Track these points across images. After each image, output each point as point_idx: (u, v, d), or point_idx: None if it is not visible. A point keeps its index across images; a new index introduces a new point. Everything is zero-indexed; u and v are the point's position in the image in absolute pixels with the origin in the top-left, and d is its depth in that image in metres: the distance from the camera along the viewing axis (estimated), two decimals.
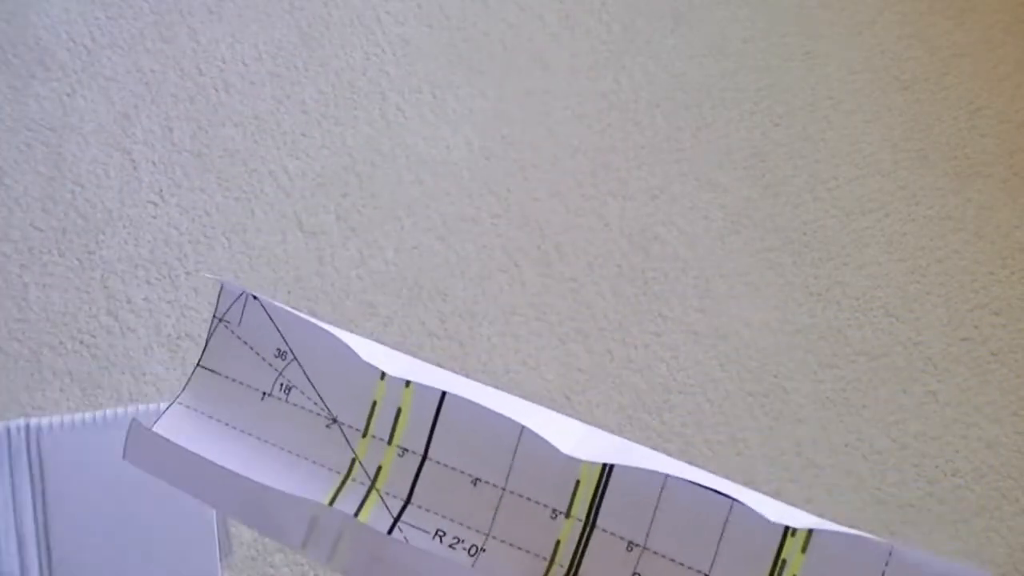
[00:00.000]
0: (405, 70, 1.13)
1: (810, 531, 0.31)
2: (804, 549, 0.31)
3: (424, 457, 0.36)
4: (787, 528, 0.31)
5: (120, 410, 0.44)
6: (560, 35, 1.15)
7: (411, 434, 0.36)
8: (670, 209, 1.04)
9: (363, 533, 0.35)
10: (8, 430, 0.43)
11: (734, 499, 0.32)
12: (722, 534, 0.33)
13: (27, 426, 0.43)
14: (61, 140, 1.02)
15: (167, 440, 0.36)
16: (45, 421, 0.43)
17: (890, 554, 0.31)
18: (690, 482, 0.32)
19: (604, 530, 0.34)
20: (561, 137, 1.08)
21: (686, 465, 0.35)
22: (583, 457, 0.33)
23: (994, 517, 0.92)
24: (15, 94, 1.10)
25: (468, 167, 1.06)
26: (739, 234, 1.03)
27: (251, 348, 0.37)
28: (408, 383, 0.36)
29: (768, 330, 0.99)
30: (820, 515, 0.30)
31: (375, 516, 0.36)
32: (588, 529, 0.34)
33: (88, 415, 0.43)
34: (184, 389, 0.38)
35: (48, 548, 0.40)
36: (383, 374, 0.36)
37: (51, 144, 1.01)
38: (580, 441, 0.34)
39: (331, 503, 0.36)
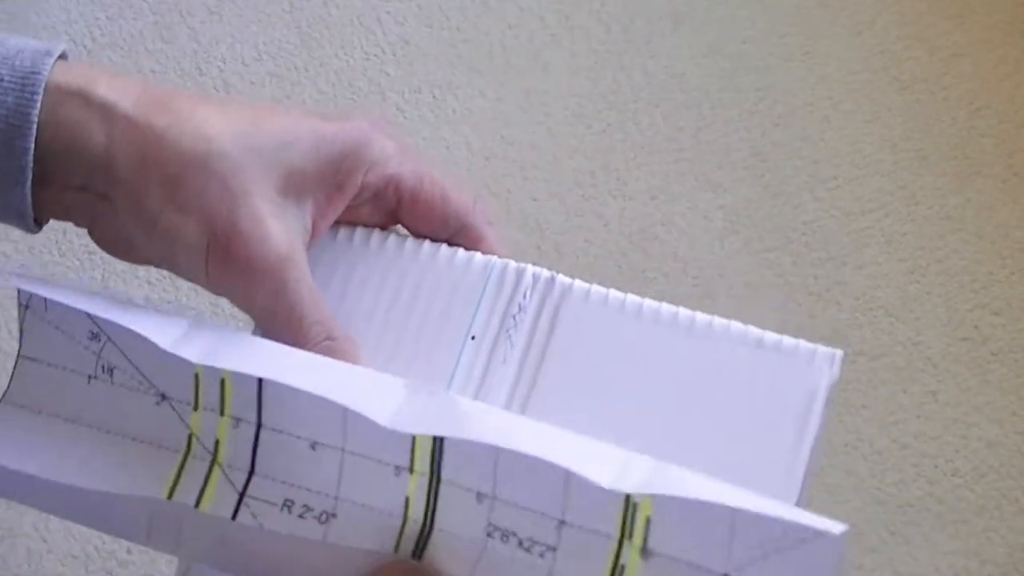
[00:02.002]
0: (405, 70, 1.13)
1: (646, 526, 0.30)
2: (643, 554, 0.31)
3: (258, 425, 0.34)
4: (627, 497, 0.31)
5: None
6: (560, 35, 1.15)
7: (240, 403, 0.34)
8: (670, 209, 1.04)
9: (204, 521, 0.34)
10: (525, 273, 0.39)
11: (568, 469, 0.30)
12: (566, 485, 0.32)
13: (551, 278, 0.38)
14: None
15: None
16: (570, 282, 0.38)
17: (734, 523, 0.30)
18: (522, 454, 0.31)
19: (450, 482, 0.33)
20: (561, 137, 1.08)
21: (519, 421, 0.34)
22: (403, 428, 0.31)
23: (994, 517, 0.92)
24: None
25: (468, 167, 1.06)
26: (739, 234, 1.03)
27: (63, 332, 0.35)
28: (223, 381, 0.34)
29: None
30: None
31: (220, 492, 0.34)
32: (434, 482, 0.33)
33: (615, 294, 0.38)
34: (9, 385, 0.36)
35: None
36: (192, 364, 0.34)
37: None
38: (401, 404, 0.33)
39: (175, 483, 0.34)
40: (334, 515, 0.33)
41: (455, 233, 0.39)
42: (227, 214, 0.34)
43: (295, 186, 0.35)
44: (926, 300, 1.01)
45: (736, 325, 0.37)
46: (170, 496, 0.34)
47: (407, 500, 0.33)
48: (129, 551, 0.89)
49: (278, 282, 0.35)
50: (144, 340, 0.33)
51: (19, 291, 0.35)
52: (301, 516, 0.33)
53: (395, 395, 0.33)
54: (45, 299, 0.35)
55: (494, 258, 0.39)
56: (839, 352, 0.36)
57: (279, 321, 0.36)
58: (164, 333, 0.34)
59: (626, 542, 0.31)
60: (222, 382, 0.34)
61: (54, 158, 0.34)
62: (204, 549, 0.35)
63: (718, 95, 1.11)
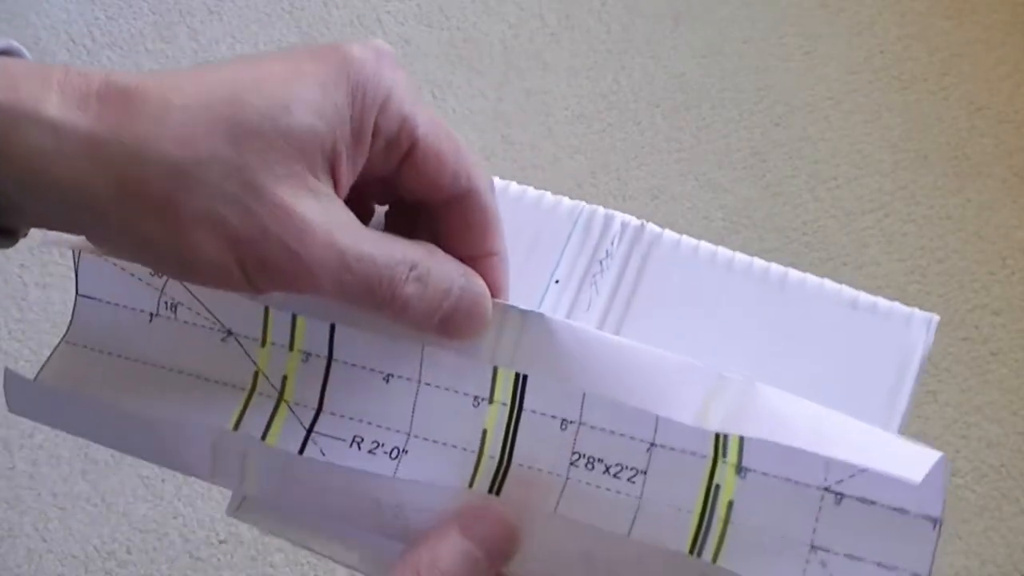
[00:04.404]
0: (405, 70, 1.13)
1: (740, 444, 0.30)
2: (738, 471, 0.30)
3: (329, 359, 0.33)
4: (717, 435, 0.30)
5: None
6: (560, 35, 1.15)
7: (312, 337, 0.33)
8: (670, 209, 1.04)
9: (269, 455, 0.32)
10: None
11: (658, 416, 0.30)
12: (656, 421, 0.31)
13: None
14: None
15: (47, 387, 0.33)
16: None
17: (827, 466, 0.29)
18: (610, 401, 0.30)
19: (533, 411, 0.31)
20: (561, 137, 1.08)
21: (612, 340, 0.33)
22: (497, 363, 0.31)
23: (994, 517, 0.92)
24: None
25: None
26: (739, 234, 1.03)
27: (123, 269, 0.34)
28: (295, 316, 0.33)
29: None
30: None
31: (287, 429, 0.32)
32: (515, 413, 0.31)
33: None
34: (69, 326, 0.34)
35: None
36: (266, 308, 0.33)
37: None
38: (495, 335, 0.32)
39: (239, 421, 0.33)
40: (405, 451, 0.32)
41: (456, 198, 0.33)
42: (248, 221, 0.29)
43: (308, 152, 0.30)
44: (926, 300, 1.01)
45: (830, 284, 0.35)
46: (235, 430, 0.33)
47: (484, 433, 0.32)
48: (129, 551, 0.89)
49: (338, 262, 0.30)
50: None
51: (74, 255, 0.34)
52: (371, 452, 0.32)
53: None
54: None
55: (582, 203, 0.38)
56: (935, 317, 0.35)
57: (360, 295, 0.31)
58: None
59: (720, 461, 0.30)
60: (294, 316, 0.33)
61: (19, 193, 0.29)
62: (269, 483, 0.33)
63: (718, 95, 1.11)
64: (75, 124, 0.28)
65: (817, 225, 1.05)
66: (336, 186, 0.31)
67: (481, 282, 0.33)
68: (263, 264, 0.29)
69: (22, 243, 0.32)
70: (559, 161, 1.06)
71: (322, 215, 0.29)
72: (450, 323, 0.32)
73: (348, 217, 0.30)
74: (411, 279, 0.31)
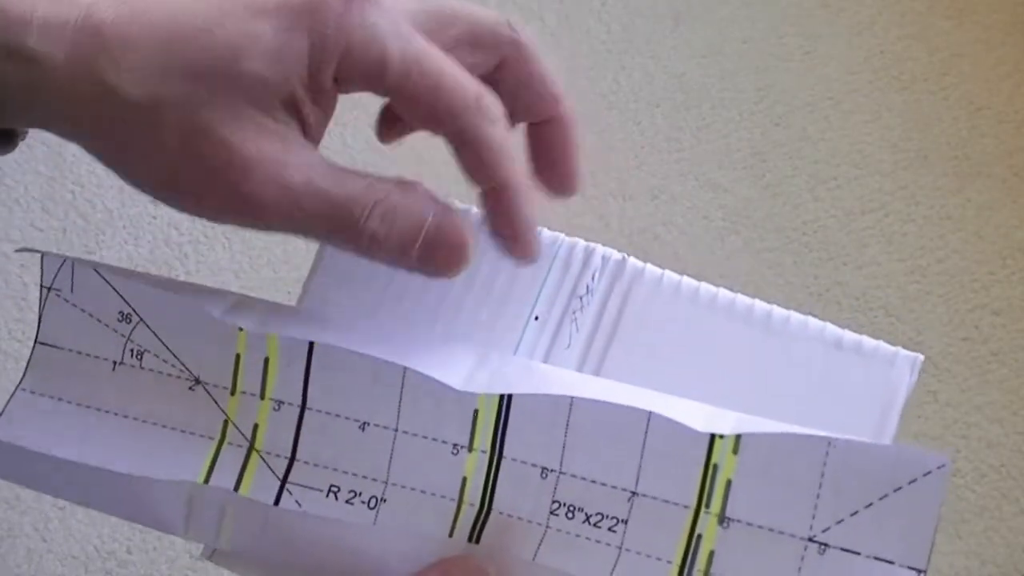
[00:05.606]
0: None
1: (739, 436, 0.29)
2: (735, 450, 0.29)
3: (303, 407, 0.32)
4: (714, 435, 0.29)
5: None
6: (560, 35, 1.15)
7: (284, 384, 0.32)
8: (670, 209, 1.04)
9: (246, 506, 0.32)
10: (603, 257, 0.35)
11: (650, 412, 0.29)
12: (643, 449, 0.30)
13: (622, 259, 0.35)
14: (61, 140, 1.02)
15: (10, 445, 0.33)
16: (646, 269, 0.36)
17: (829, 445, 0.29)
18: (599, 401, 0.30)
19: (513, 459, 0.31)
20: None
21: (596, 380, 0.33)
22: (477, 389, 0.30)
23: (994, 517, 0.92)
24: None
25: None
26: (739, 234, 1.03)
27: (90, 315, 0.33)
28: (270, 335, 0.32)
29: None
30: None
31: (259, 481, 0.32)
32: (495, 460, 0.31)
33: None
34: (25, 372, 0.34)
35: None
36: (241, 328, 0.32)
37: (51, 144, 1.01)
38: (473, 369, 0.31)
39: (208, 473, 0.32)
40: (384, 500, 0.32)
41: (450, 135, 0.32)
42: (193, 160, 0.29)
43: (260, 97, 0.29)
44: (926, 300, 1.01)
45: (814, 322, 0.35)
46: (206, 483, 0.32)
47: (464, 481, 0.31)
48: (129, 551, 0.89)
49: (287, 200, 0.30)
50: (185, 317, 0.32)
51: (43, 273, 0.34)
52: (348, 502, 0.32)
53: (465, 361, 0.32)
54: (72, 278, 0.33)
55: (561, 235, 0.37)
56: (920, 356, 0.35)
57: (319, 232, 0.31)
58: (213, 304, 0.32)
59: (703, 511, 0.30)
60: (266, 362, 0.32)
61: (9, 116, 0.31)
62: (246, 537, 0.33)
63: (718, 95, 1.11)
64: (52, 58, 0.29)
65: (817, 225, 1.05)
66: (304, 125, 0.31)
67: (457, 219, 0.32)
68: (209, 199, 0.30)
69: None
70: None
71: (272, 154, 0.29)
72: (428, 260, 0.31)
73: (307, 157, 0.30)
74: (374, 216, 0.30)
